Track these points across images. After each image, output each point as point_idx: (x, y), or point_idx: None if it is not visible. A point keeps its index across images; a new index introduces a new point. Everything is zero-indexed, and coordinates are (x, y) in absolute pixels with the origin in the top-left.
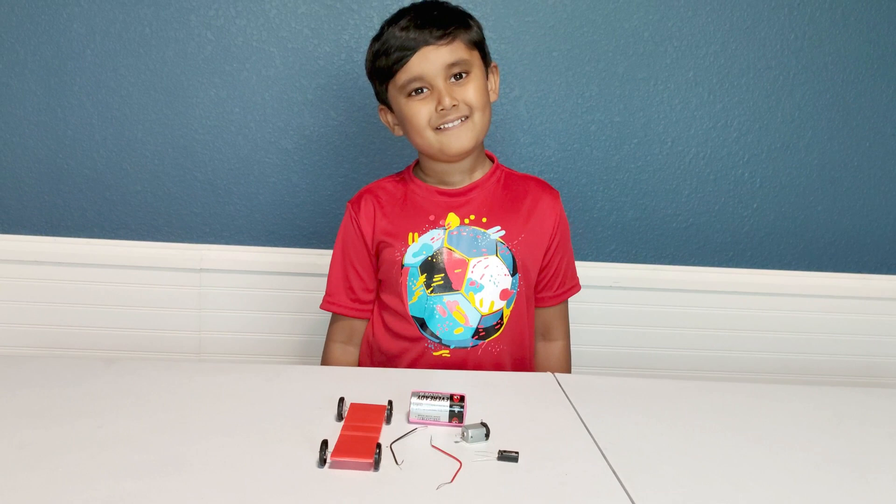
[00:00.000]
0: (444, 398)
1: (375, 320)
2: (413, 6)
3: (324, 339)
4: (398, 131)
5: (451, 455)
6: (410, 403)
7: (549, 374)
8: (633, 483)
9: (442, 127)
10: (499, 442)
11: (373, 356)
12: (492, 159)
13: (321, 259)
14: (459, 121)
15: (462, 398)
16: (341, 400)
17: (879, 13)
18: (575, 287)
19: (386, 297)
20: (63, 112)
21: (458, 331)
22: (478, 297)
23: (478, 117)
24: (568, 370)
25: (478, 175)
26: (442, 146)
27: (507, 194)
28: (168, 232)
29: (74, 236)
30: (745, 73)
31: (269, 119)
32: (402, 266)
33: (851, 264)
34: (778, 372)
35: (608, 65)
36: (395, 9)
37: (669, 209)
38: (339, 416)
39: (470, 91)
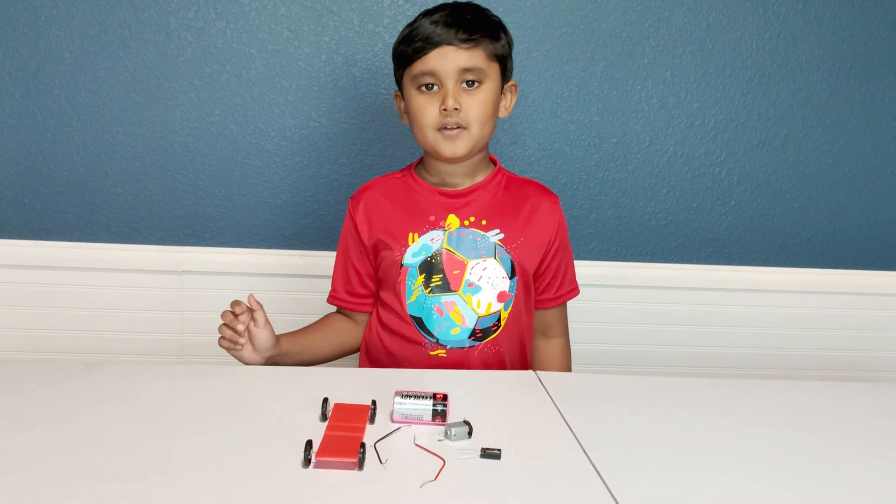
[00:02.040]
0: (426, 397)
1: (374, 319)
2: (454, 3)
3: None
4: (406, 120)
5: (435, 453)
6: (394, 403)
7: (530, 371)
8: (614, 479)
9: (442, 130)
10: (482, 440)
11: (370, 355)
12: (494, 163)
13: (303, 260)
14: (458, 128)
15: (445, 397)
16: (325, 400)
17: (852, 13)
18: (574, 290)
19: (385, 296)
20: (42, 115)
21: (455, 331)
22: (475, 298)
23: (475, 129)
24: (569, 365)
25: (480, 178)
26: (437, 146)
27: (507, 198)
28: (149, 234)
29: (54, 239)
30: (721, 72)
31: (250, 121)
32: (402, 266)
33: (827, 260)
34: (756, 367)
35: (587, 65)
36: (374, 11)
37: (648, 207)
38: (323, 417)
39: (475, 102)
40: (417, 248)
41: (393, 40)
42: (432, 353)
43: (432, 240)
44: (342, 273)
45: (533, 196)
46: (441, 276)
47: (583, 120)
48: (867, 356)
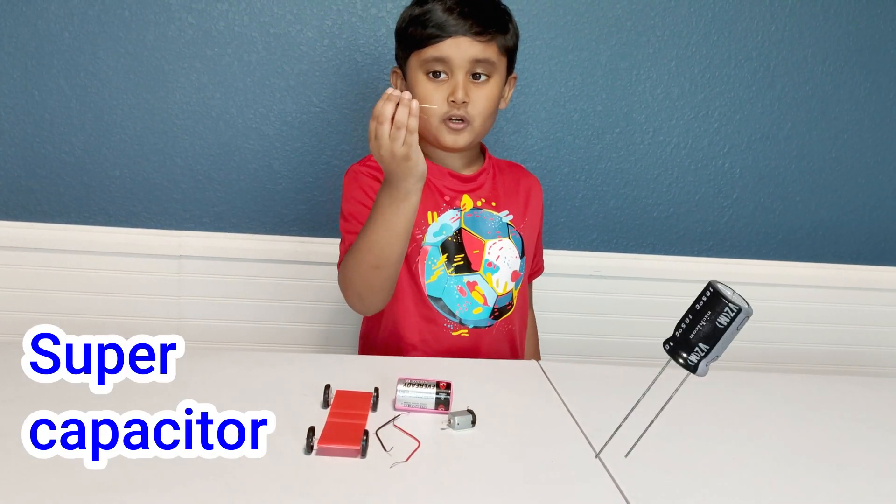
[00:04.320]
0: (430, 385)
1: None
2: None
3: (303, 326)
4: None
5: (411, 435)
6: (396, 391)
7: (533, 361)
8: (618, 469)
9: (447, 121)
10: (485, 429)
11: (375, 345)
12: (482, 149)
13: (302, 246)
14: (462, 122)
15: (448, 385)
16: (327, 387)
17: (858, 6)
18: (542, 268)
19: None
20: (40, 95)
21: (478, 310)
22: (494, 277)
23: (478, 123)
24: (536, 332)
25: (476, 163)
26: (439, 136)
27: (506, 180)
28: (147, 218)
29: (51, 222)
30: (726, 63)
31: (251, 105)
32: (423, 245)
33: (829, 255)
34: (756, 360)
35: (591, 54)
36: None
37: (651, 199)
38: (325, 404)
39: (482, 97)
40: (438, 228)
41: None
42: (455, 333)
43: (451, 219)
44: (364, 219)
45: (524, 178)
46: (463, 255)
47: (586, 110)
48: (868, 351)
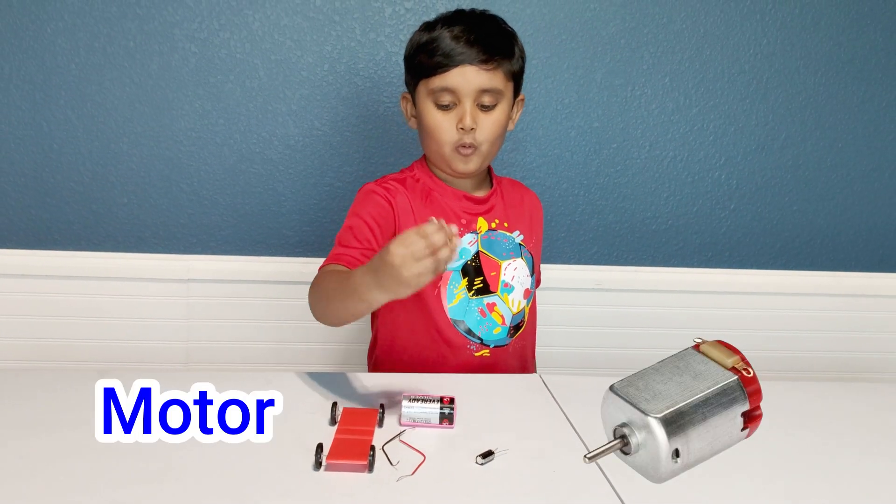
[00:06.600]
0: (434, 400)
1: (392, 331)
2: (472, 13)
3: (311, 346)
4: (413, 124)
5: (417, 449)
6: (402, 406)
7: (535, 375)
8: (620, 480)
9: (459, 148)
10: (487, 442)
11: (396, 364)
12: (488, 168)
13: (307, 267)
14: (472, 148)
15: (452, 400)
16: (334, 404)
17: (848, 17)
18: (539, 280)
19: (413, 304)
20: (48, 126)
21: (497, 331)
22: (510, 297)
23: (485, 148)
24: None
25: (485, 183)
26: (450, 162)
27: (513, 200)
28: (154, 243)
29: (61, 249)
30: (719, 77)
31: (254, 130)
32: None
33: (826, 262)
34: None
35: (586, 71)
36: (375, 21)
37: (649, 212)
38: (333, 421)
39: (490, 122)
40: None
41: (395, 49)
42: (477, 354)
43: (469, 243)
44: (361, 235)
45: (526, 195)
46: (482, 278)
47: (583, 126)
48: (867, 357)
